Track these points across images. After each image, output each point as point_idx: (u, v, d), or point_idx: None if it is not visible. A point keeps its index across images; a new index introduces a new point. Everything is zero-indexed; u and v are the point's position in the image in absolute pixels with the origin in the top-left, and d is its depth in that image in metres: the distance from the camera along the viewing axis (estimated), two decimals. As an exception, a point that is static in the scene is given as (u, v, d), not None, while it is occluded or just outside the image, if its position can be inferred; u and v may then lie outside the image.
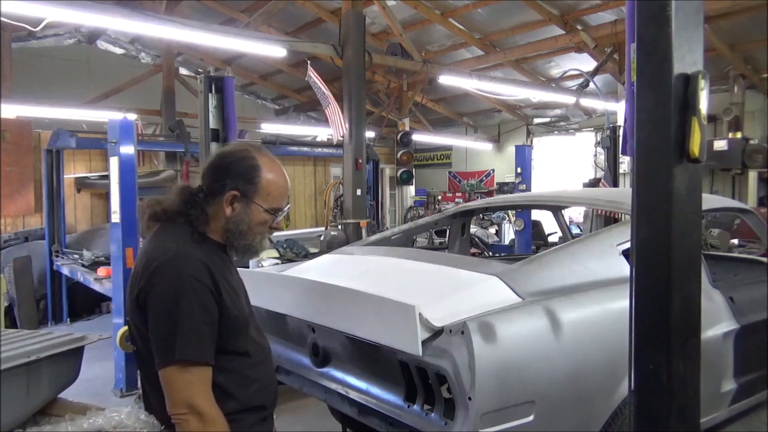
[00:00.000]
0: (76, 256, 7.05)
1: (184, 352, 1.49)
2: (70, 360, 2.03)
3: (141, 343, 1.62)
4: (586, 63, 8.95)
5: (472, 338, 2.04)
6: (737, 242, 6.69)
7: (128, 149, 4.74)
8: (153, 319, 1.54)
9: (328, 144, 10.41)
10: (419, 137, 12.37)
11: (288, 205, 1.74)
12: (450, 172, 14.56)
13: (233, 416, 1.61)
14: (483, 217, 10.27)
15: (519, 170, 9.19)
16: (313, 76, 6.73)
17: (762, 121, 9.25)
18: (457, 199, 12.95)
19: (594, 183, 9.03)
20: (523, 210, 8.01)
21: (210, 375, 1.55)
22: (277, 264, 4.97)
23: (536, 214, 8.86)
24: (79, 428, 1.57)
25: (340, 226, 6.94)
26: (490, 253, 7.59)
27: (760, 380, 3.10)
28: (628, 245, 2.45)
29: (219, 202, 1.66)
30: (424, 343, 2.13)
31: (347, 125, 6.71)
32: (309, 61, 6.96)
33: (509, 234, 10.07)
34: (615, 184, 7.82)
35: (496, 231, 10.76)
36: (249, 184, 1.64)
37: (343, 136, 6.74)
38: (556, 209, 4.99)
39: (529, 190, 8.96)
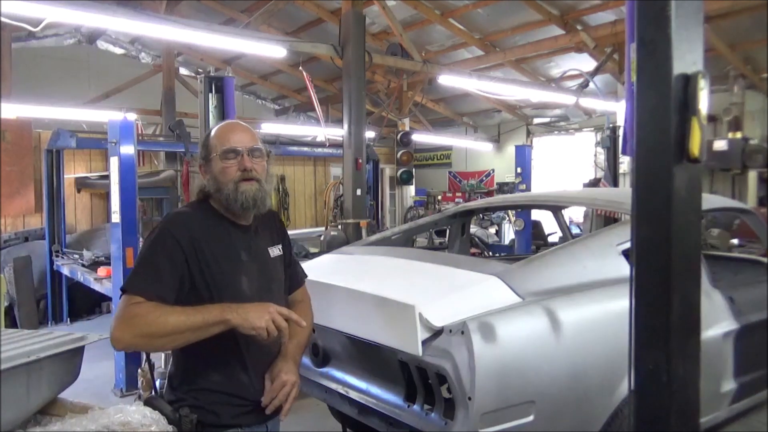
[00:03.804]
0: (76, 256, 7.05)
1: (128, 283, 1.68)
2: (71, 360, 2.02)
3: None
4: (586, 63, 8.94)
5: (472, 338, 2.04)
6: (737, 242, 6.68)
7: (128, 149, 4.74)
8: None
9: (328, 144, 10.40)
10: (419, 137, 12.35)
11: (253, 146, 1.80)
12: (450, 172, 14.54)
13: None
14: (483, 217, 10.26)
15: (519, 170, 9.18)
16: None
17: (762, 121, 9.24)
18: (457, 199, 12.92)
19: (594, 183, 9.03)
20: (523, 210, 8.01)
21: (146, 309, 1.61)
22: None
23: (536, 214, 8.85)
24: (84, 428, 1.56)
25: (340, 226, 6.94)
26: (490, 253, 7.59)
27: (760, 380, 3.11)
28: (628, 245, 2.45)
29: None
30: (424, 343, 2.13)
31: (346, 125, 6.73)
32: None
33: (509, 234, 10.06)
34: (615, 184, 7.83)
35: (496, 231, 10.75)
36: (204, 149, 1.86)
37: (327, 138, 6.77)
38: (556, 209, 4.99)
39: (529, 190, 8.96)
